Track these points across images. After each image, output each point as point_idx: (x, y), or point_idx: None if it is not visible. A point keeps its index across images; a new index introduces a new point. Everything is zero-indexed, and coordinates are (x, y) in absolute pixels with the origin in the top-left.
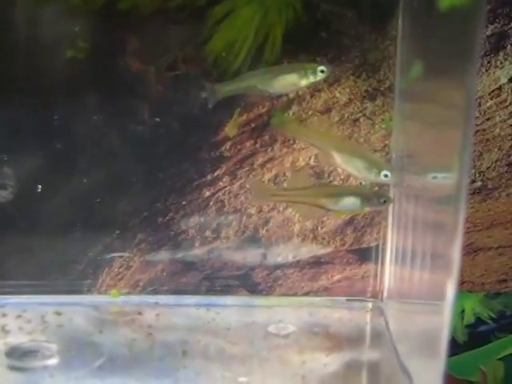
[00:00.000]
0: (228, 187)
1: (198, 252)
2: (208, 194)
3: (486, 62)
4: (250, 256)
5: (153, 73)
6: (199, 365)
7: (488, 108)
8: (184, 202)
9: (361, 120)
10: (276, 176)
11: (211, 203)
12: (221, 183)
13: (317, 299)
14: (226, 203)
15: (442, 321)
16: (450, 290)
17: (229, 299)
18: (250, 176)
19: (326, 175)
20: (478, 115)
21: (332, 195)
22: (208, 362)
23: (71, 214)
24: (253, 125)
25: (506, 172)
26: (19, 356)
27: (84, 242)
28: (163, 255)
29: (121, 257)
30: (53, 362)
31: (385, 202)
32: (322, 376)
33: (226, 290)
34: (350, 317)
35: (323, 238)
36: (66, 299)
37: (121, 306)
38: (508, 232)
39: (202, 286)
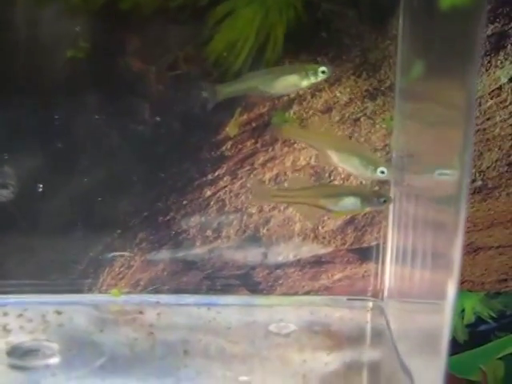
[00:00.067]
0: (229, 187)
1: (198, 251)
2: (209, 193)
3: (486, 62)
4: (251, 255)
5: (154, 72)
6: (200, 364)
7: (488, 108)
8: (185, 202)
9: (361, 120)
10: (277, 175)
11: (212, 202)
12: (222, 183)
13: (317, 298)
14: (227, 202)
15: (443, 320)
16: (451, 289)
17: (230, 298)
18: (251, 175)
19: (326, 175)
20: (478, 115)
21: (332, 195)
22: (209, 362)
23: (72, 213)
24: (254, 124)
25: (507, 171)
26: (20, 355)
27: (85, 241)
28: (164, 254)
29: (122, 256)
30: (54, 361)
31: (385, 201)
32: (323, 375)
33: (226, 290)
34: (350, 316)
35: (324, 238)
36: (67, 298)
37: (122, 306)
38: (508, 231)
39: (203, 285)
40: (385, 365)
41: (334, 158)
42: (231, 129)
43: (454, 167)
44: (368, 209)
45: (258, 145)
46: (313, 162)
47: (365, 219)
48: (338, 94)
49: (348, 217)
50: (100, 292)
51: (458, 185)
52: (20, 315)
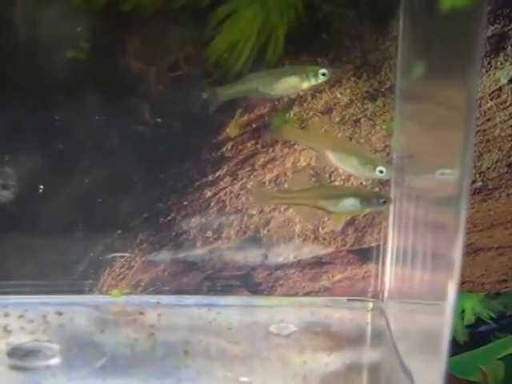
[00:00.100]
0: (229, 187)
1: (199, 252)
2: (209, 194)
3: (486, 63)
4: (251, 256)
5: (154, 73)
6: (201, 365)
7: (488, 109)
8: (185, 203)
9: (362, 121)
10: (277, 176)
11: (212, 203)
12: (222, 183)
13: (318, 299)
14: (228, 203)
15: (443, 321)
16: (451, 290)
17: (230, 299)
18: (252, 176)
19: (327, 176)
20: (478, 116)
21: (332, 197)
22: (210, 362)
23: (72, 213)
24: (254, 125)
25: (507, 172)
26: (21, 356)
27: (85, 242)
28: (165, 255)
29: (122, 257)
30: (55, 361)
31: (384, 202)
32: (324, 376)
33: (227, 290)
34: (350, 317)
35: (324, 239)
36: (68, 299)
37: (122, 306)
38: (508, 232)
39: (204, 286)
40: (385, 365)
41: (333, 158)
42: (231, 130)
43: (455, 168)
44: (368, 210)
45: (259, 146)
46: (313, 162)
47: (365, 220)
48: (339, 95)
49: (348, 218)
50: (101, 293)
51: (459, 186)
52: (21, 316)
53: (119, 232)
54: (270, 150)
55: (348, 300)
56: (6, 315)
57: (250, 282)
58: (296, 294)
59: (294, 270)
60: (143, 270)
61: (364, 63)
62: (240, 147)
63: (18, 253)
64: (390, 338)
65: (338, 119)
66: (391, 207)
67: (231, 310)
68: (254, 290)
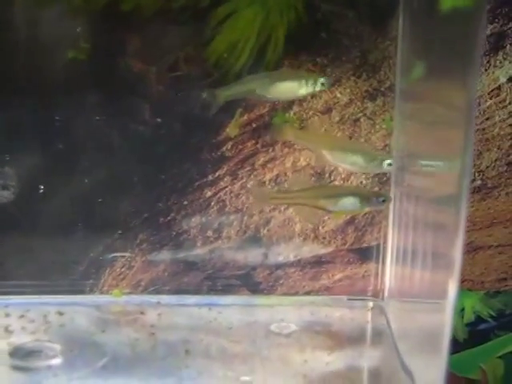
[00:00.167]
0: (229, 187)
1: (199, 252)
2: (209, 194)
3: (485, 62)
4: (252, 256)
5: (154, 73)
6: (202, 364)
7: (487, 107)
8: (185, 202)
9: (361, 120)
10: (277, 176)
11: (213, 203)
12: (222, 183)
13: (318, 298)
14: (228, 203)
15: (444, 319)
16: (452, 288)
17: (230, 298)
18: (252, 176)
19: (326, 175)
20: (477, 115)
21: (331, 196)
22: (210, 362)
23: (73, 214)
24: (254, 125)
25: (506, 171)
26: (23, 356)
27: (86, 242)
28: (165, 255)
29: (123, 257)
30: (56, 361)
31: (384, 201)
32: (324, 375)
33: (227, 290)
34: (351, 316)
35: (324, 238)
36: (69, 299)
37: (123, 306)
38: (508, 231)
39: (204, 285)
40: (385, 364)
41: (337, 158)
42: (231, 129)
43: (455, 167)
44: (367, 209)
45: (259, 145)
46: (313, 162)
47: (365, 219)
48: (338, 95)
49: (348, 217)
50: (101, 293)
51: (459, 185)
52: (22, 316)
53: (119, 232)
54: (270, 150)
55: (348, 299)
56: (7, 315)
57: (250, 282)
58: (296, 294)
59: (294, 270)
60: (143, 269)
61: (364, 63)
62: (240, 147)
63: (18, 253)
64: (391, 337)
65: (337, 119)
66: (391, 206)
67: (232, 309)
68: (255, 289)
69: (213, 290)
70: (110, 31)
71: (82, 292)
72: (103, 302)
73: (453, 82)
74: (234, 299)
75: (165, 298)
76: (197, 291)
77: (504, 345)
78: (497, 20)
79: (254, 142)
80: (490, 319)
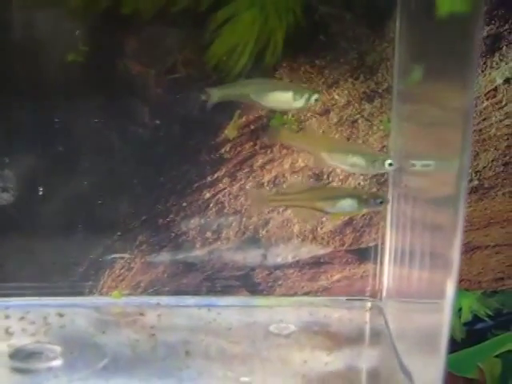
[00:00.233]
0: (228, 189)
1: (198, 253)
2: (208, 195)
3: (481, 63)
4: (251, 257)
5: (153, 76)
6: (202, 365)
7: (484, 108)
8: (184, 204)
9: (359, 121)
10: (276, 177)
11: (211, 205)
12: (221, 185)
13: (317, 299)
14: (226, 204)
15: (442, 319)
16: (450, 288)
17: (230, 299)
18: (250, 177)
19: (325, 176)
20: (474, 116)
21: (329, 198)
22: (210, 362)
23: (72, 216)
24: (252, 127)
25: (503, 171)
26: (23, 358)
27: (85, 243)
28: (164, 256)
29: (122, 258)
30: (56, 363)
31: (381, 202)
32: (323, 375)
33: (226, 291)
34: (349, 316)
35: (322, 239)
36: (68, 301)
37: (122, 307)
38: (504, 231)
39: (203, 286)
40: (384, 364)
41: (338, 159)
42: (230, 131)
43: (452, 168)
44: (365, 210)
45: (257, 147)
46: (311, 164)
47: (363, 220)
48: (336, 97)
49: (346, 218)
50: (101, 294)
51: (457, 185)
52: (22, 318)
53: (119, 233)
54: (269, 152)
55: (347, 299)
56: (7, 317)
57: (249, 283)
58: (295, 294)
59: (292, 270)
60: (143, 271)
61: (361, 64)
62: (238, 149)
63: (18, 255)
64: (389, 337)
65: (335, 120)
66: (389, 207)
67: (231, 310)
68: (254, 290)
69: (212, 291)
70: (109, 34)
71: (81, 294)
72: (103, 304)
73: (450, 84)
74: (233, 300)
75: (164, 299)
76: (196, 292)
77: (501, 344)
78: (493, 22)
79: (252, 143)
80: (487, 319)
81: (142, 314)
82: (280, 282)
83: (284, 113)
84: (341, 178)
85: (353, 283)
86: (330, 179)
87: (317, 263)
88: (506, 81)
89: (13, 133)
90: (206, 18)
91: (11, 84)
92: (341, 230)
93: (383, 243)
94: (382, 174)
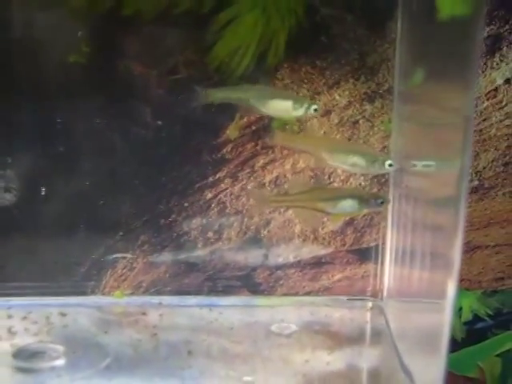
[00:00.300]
0: (229, 189)
1: (200, 253)
2: (210, 195)
3: (482, 64)
4: (252, 257)
5: (155, 77)
6: (204, 364)
7: (484, 109)
8: (186, 204)
9: (360, 122)
10: (277, 178)
11: (213, 205)
12: (222, 185)
13: (318, 299)
14: (228, 205)
15: (443, 319)
16: (451, 288)
17: (231, 299)
18: (251, 178)
19: (326, 177)
20: (474, 116)
21: (330, 199)
22: (212, 362)
23: (74, 216)
24: (254, 127)
25: (503, 172)
26: (26, 357)
27: (87, 243)
28: (166, 256)
29: (124, 258)
30: (59, 362)
31: (382, 203)
32: (325, 374)
33: (228, 291)
34: (350, 316)
35: (324, 239)
36: (71, 301)
37: (125, 307)
38: (504, 231)
39: (205, 286)
40: (385, 364)
41: (338, 160)
42: (232, 132)
43: (453, 169)
44: (366, 211)
45: (258, 147)
46: (312, 164)
47: (364, 220)
48: (337, 97)
49: (347, 218)
50: (103, 294)
51: (457, 185)
52: (24, 318)
53: (121, 234)
54: (270, 152)
55: (348, 299)
56: (10, 317)
57: (250, 283)
58: (296, 294)
59: (294, 270)
60: (145, 271)
61: (362, 65)
62: (240, 149)
63: (20, 255)
64: (390, 337)
65: (336, 121)
66: (390, 207)
67: (232, 310)
68: (255, 290)
69: (213, 291)
70: (110, 35)
71: (83, 293)
72: (105, 303)
73: (451, 85)
74: (235, 300)
75: (166, 299)
76: (198, 292)
77: (501, 343)
78: (493, 22)
79: (253, 144)
80: (487, 318)
81: (144, 314)
82: (281, 282)
83: None
84: (342, 178)
85: (354, 283)
86: (332, 179)
87: (318, 263)
88: (507, 81)
89: (15, 133)
90: (208, 20)
91: (13, 85)
92: (342, 231)
93: (384, 243)
94: (383, 175)
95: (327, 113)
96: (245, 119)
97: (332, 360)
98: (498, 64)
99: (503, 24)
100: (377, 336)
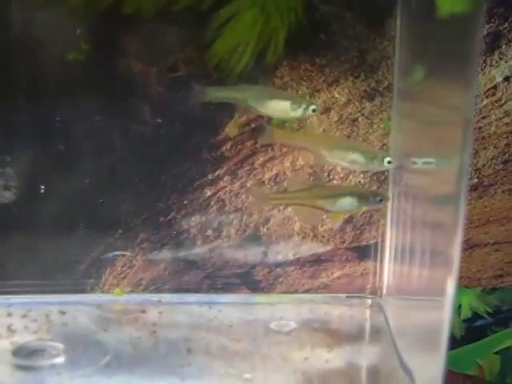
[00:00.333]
0: (229, 187)
1: (199, 251)
2: (209, 193)
3: (481, 62)
4: (251, 254)
5: (155, 74)
6: (203, 362)
7: (484, 106)
8: (186, 202)
9: (359, 120)
10: (276, 175)
11: (212, 202)
12: (222, 183)
13: (317, 296)
14: (227, 202)
15: (442, 316)
16: (451, 285)
17: (230, 297)
18: (251, 175)
19: (325, 174)
20: (473, 114)
21: (329, 196)
22: (212, 359)
23: (74, 214)
24: (253, 125)
25: (502, 169)
26: (26, 355)
27: (87, 241)
28: (165, 254)
29: (123, 256)
30: (59, 360)
31: (381, 200)
32: (324, 372)
33: (227, 288)
34: (349, 313)
35: (323, 236)
36: (70, 298)
37: (124, 305)
38: (504, 228)
39: (204, 284)
40: (384, 361)
41: (337, 157)
42: (231, 130)
43: (453, 166)
44: (365, 208)
45: (258, 145)
46: (311, 161)
47: (363, 218)
48: (337, 95)
49: (346, 216)
50: (102, 292)
51: (457, 183)
52: (24, 315)
53: (120, 231)
54: (269, 150)
55: (347, 297)
56: (9, 315)
57: (250, 280)
58: (296, 292)
59: (293, 268)
60: (144, 268)
61: (362, 63)
62: (239, 147)
63: (20, 253)
64: (389, 334)
65: (336, 118)
66: (389, 205)
67: (232, 307)
68: (254, 287)
69: (213, 289)
70: (110, 32)
71: (83, 291)
72: (105, 301)
73: (451, 82)
74: (234, 297)
75: (166, 297)
76: (197, 290)
77: (500, 341)
78: (493, 20)
79: (253, 141)
80: (486, 316)
81: (143, 312)
82: (280, 280)
83: None
84: (341, 176)
85: (353, 280)
86: (331, 177)
87: (317, 261)
88: (506, 79)
89: (14, 131)
90: (208, 17)
91: (13, 83)
92: (341, 228)
93: (383, 241)
94: (383, 172)
95: (326, 110)
96: (244, 117)
97: (331, 357)
98: (497, 62)
99: (502, 22)
100: (376, 333)
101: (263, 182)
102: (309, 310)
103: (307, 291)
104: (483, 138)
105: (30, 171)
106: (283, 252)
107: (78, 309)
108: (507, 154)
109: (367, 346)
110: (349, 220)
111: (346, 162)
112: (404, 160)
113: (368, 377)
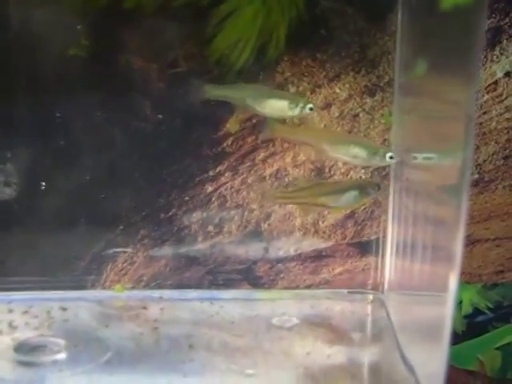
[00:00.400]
0: (230, 182)
1: (200, 247)
2: (210, 189)
3: (482, 57)
4: (252, 250)
5: (155, 70)
6: (205, 358)
7: (485, 102)
8: (187, 198)
9: (360, 115)
10: (277, 171)
11: (213, 198)
12: (223, 179)
13: (319, 292)
14: (228, 198)
15: (444, 312)
16: (452, 281)
17: (232, 293)
18: (252, 171)
19: (326, 170)
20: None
21: (331, 192)
22: (214, 355)
23: (74, 210)
24: (254, 121)
25: (503, 165)
26: (27, 351)
27: (88, 237)
28: (166, 250)
29: (124, 252)
30: (61, 356)
31: (378, 188)
32: (326, 367)
33: (229, 284)
34: (351, 309)
35: (324, 232)
36: (71, 295)
37: (125, 301)
38: (505, 224)
39: (205, 280)
40: (386, 357)
41: (339, 152)
42: (232, 125)
43: (454, 161)
44: (366, 200)
45: (259, 141)
46: (313, 157)
47: (364, 213)
48: (338, 90)
49: (348, 211)
50: (103, 288)
51: (460, 178)
52: (25, 312)
53: (121, 228)
54: (270, 145)
55: (348, 292)
56: (11, 311)
57: (251, 276)
58: (297, 287)
59: (294, 264)
60: (145, 265)
61: (362, 58)
62: (240, 142)
63: (20, 249)
64: (391, 330)
65: (336, 114)
66: (391, 200)
67: (233, 303)
68: (256, 283)
69: (214, 285)
70: (110, 28)
71: (84, 287)
72: (106, 297)
73: (452, 77)
74: (236, 293)
75: (167, 293)
76: (198, 286)
77: (501, 336)
78: (494, 15)
79: (254, 137)
80: (487, 311)
81: (144, 308)
82: (282, 276)
83: None
84: (342, 171)
85: (354, 276)
86: (332, 172)
87: (319, 256)
88: (507, 74)
89: (14, 127)
90: (208, 13)
91: (13, 78)
92: (342, 224)
93: (385, 236)
94: (384, 168)
95: (327, 106)
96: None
97: (333, 353)
98: (498, 57)
99: (503, 17)
100: (378, 329)
101: (264, 177)
102: (310, 305)
103: (309, 287)
104: (484, 133)
105: (30, 167)
106: (284, 248)
107: (79, 305)
108: (508, 150)
109: (369, 342)
110: (350, 215)
111: (348, 156)
112: (405, 155)
113: (370, 372)
